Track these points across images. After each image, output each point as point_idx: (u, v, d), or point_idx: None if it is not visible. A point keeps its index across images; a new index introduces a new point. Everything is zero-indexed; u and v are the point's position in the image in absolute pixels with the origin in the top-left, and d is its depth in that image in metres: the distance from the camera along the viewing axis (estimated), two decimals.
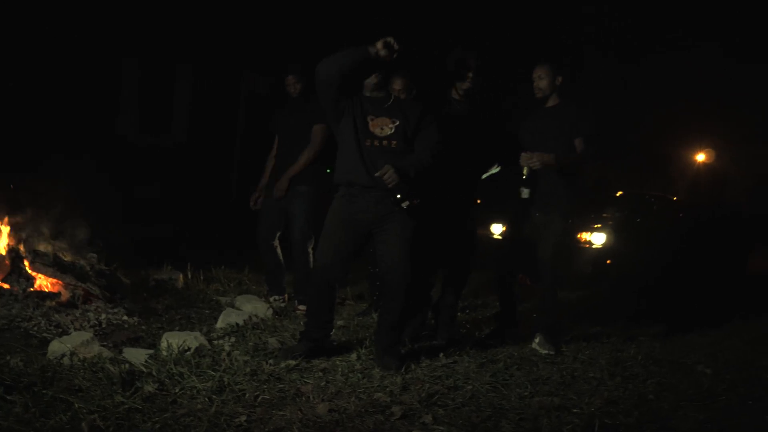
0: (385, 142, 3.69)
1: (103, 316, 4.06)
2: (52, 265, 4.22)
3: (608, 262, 8.79)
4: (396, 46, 3.49)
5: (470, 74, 4.22)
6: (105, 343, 3.61)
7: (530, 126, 4.41)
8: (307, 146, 4.98)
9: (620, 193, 11.38)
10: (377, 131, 3.69)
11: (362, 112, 3.72)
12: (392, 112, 3.74)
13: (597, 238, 8.88)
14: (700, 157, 25.49)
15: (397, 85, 4.39)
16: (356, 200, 3.70)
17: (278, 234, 5.20)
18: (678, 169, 24.16)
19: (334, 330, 4.38)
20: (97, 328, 3.88)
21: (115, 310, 4.21)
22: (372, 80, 3.73)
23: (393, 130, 3.70)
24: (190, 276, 5.69)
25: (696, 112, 22.08)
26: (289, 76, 5.03)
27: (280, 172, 5.09)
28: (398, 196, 3.57)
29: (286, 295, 5.21)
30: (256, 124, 10.09)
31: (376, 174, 3.53)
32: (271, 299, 5.10)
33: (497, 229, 9.28)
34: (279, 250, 5.22)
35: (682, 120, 22.56)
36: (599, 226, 9.08)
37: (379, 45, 3.47)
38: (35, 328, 3.71)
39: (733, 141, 23.44)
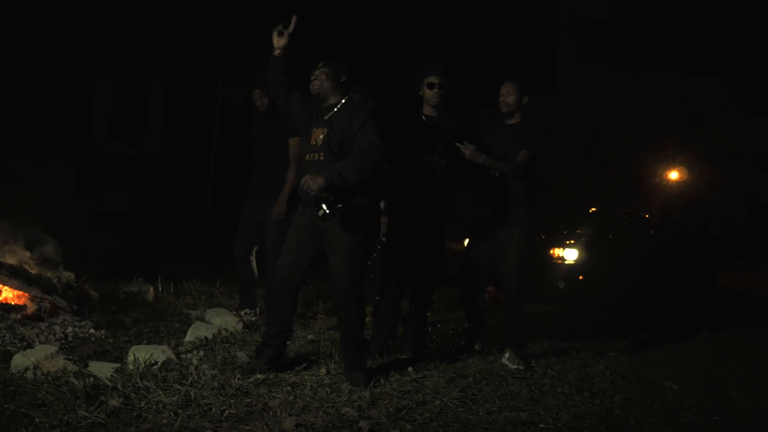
0: (315, 155, 3.64)
1: (70, 329, 4.00)
2: (17, 277, 4.16)
3: (580, 277, 8.89)
4: (282, 29, 3.67)
5: (437, 88, 4.26)
6: (70, 357, 3.56)
7: (489, 140, 4.47)
8: (283, 160, 4.96)
9: (593, 209, 11.51)
10: (312, 143, 3.65)
11: (309, 123, 3.73)
12: (325, 122, 3.67)
13: (569, 254, 8.98)
14: (673, 174, 25.86)
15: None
16: (305, 209, 3.69)
17: (255, 248, 5.19)
18: (650, 187, 24.48)
19: (302, 344, 4.37)
20: (63, 341, 3.82)
21: (82, 323, 4.16)
22: (312, 89, 3.71)
23: (321, 141, 3.63)
24: (160, 289, 5.64)
25: (669, 130, 22.42)
26: (255, 91, 5.02)
27: (259, 185, 5.07)
28: (323, 206, 3.35)
29: (258, 309, 5.18)
30: (231, 135, 10.06)
31: (300, 184, 3.47)
32: (242, 313, 5.07)
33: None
34: (254, 264, 5.20)
35: (656, 137, 22.89)
36: (572, 242, 9.18)
37: (274, 42, 3.69)
38: None
39: (705, 159, 23.81)
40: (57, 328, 3.97)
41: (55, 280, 4.36)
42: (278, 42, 3.71)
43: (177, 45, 9.50)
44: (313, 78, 3.68)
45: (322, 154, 3.61)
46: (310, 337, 4.60)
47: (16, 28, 7.76)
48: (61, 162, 7.93)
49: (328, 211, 3.34)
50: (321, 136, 3.63)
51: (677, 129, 22.22)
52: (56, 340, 3.81)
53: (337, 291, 3.67)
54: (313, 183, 3.36)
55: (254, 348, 4.09)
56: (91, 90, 9.33)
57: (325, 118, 3.67)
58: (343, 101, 3.69)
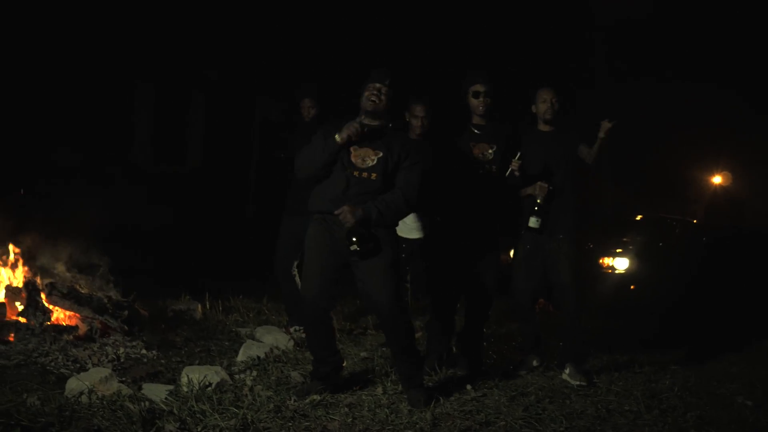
0: (365, 174, 3.50)
1: (122, 350, 3.96)
2: (69, 298, 4.14)
3: (632, 287, 8.62)
4: (358, 130, 3.44)
5: (482, 96, 4.15)
6: (124, 379, 3.50)
7: (533, 150, 4.30)
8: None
9: (640, 216, 11.19)
10: (358, 162, 3.51)
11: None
12: (377, 143, 3.53)
13: (620, 264, 8.72)
14: (717, 179, 25.28)
15: (418, 111, 4.34)
16: (334, 229, 3.49)
17: (296, 262, 5.09)
18: (694, 192, 23.93)
19: (355, 362, 4.25)
20: (116, 362, 3.77)
21: (134, 344, 4.11)
22: (368, 104, 3.52)
23: (375, 162, 3.51)
24: (208, 306, 5.59)
25: (711, 135, 21.93)
26: (305, 99, 4.94)
27: (298, 201, 4.97)
28: (353, 239, 3.35)
29: None
30: (270, 151, 10.05)
31: (335, 212, 3.40)
32: (292, 330, 4.98)
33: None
34: (298, 279, 5.10)
35: (698, 143, 22.40)
36: (621, 251, 8.92)
37: (344, 135, 3.44)
38: (52, 364, 3.61)
39: (748, 163, 23.21)
40: (109, 349, 3.93)
41: (105, 300, 4.32)
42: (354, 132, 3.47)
43: (216, 60, 9.55)
44: (373, 92, 3.50)
45: (375, 174, 3.51)
46: (363, 354, 4.48)
47: (55, 52, 7.86)
48: (106, 181, 8.01)
49: (359, 248, 3.34)
50: (373, 157, 3.51)
51: (719, 135, 21.72)
52: (109, 361, 3.76)
53: (381, 316, 3.59)
54: (351, 216, 3.35)
55: (307, 367, 4.00)
56: (131, 109, 9.42)
57: (372, 137, 3.54)
58: (390, 125, 3.63)
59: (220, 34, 9.43)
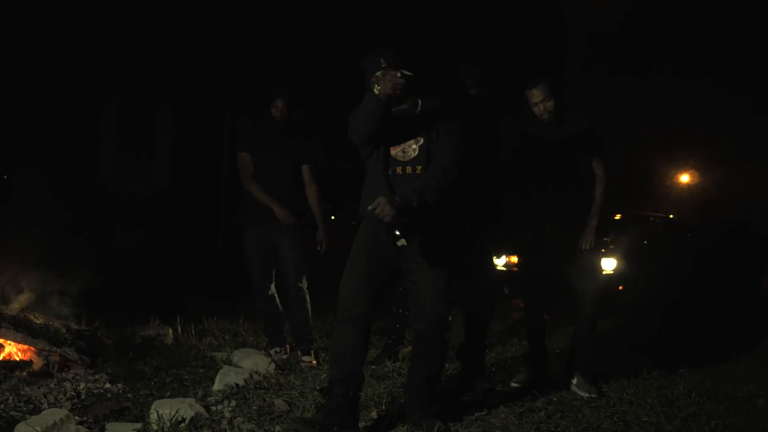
0: (409, 169, 3.07)
1: (82, 385, 3.52)
2: (21, 329, 3.69)
3: (620, 288, 8.39)
4: (401, 82, 2.84)
5: (474, 88, 3.82)
6: (84, 419, 3.08)
7: (536, 141, 3.98)
8: (294, 184, 4.57)
9: (619, 216, 11.01)
10: (399, 155, 3.09)
11: (385, 132, 3.07)
12: (414, 128, 3.09)
13: (607, 264, 8.46)
14: (684, 178, 25.39)
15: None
16: (379, 231, 3.05)
17: (274, 274, 4.70)
18: (662, 191, 23.98)
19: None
20: (75, 400, 3.33)
21: (97, 377, 3.68)
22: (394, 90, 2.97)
23: (417, 152, 3.07)
24: (180, 330, 5.16)
25: (679, 134, 21.98)
26: (278, 100, 4.54)
27: (264, 209, 4.58)
28: (396, 232, 2.90)
29: (288, 346, 4.70)
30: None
31: (369, 208, 2.93)
32: (272, 352, 4.58)
33: (500, 260, 8.81)
34: (277, 297, 4.72)
35: (666, 142, 22.45)
36: (604, 251, 8.67)
37: (386, 89, 2.85)
38: (1, 406, 3.16)
39: (718, 161, 23.32)
40: (68, 385, 3.49)
41: (63, 330, 3.88)
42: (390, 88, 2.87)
43: (182, 75, 9.18)
44: (392, 76, 2.89)
45: (420, 167, 3.05)
46: None
47: (18, 70, 7.46)
48: (67, 202, 7.57)
49: (405, 242, 2.89)
50: (414, 146, 3.07)
51: (687, 133, 21.79)
52: (67, 399, 3.32)
53: (422, 335, 3.14)
54: (390, 207, 2.85)
55: (292, 392, 3.62)
56: (96, 126, 9.02)
57: (413, 123, 3.08)
58: (419, 101, 3.12)
59: (186, 46, 9.07)
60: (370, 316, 3.09)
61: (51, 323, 3.88)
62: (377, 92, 2.87)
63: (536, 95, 3.88)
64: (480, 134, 3.68)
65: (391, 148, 3.09)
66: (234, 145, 4.54)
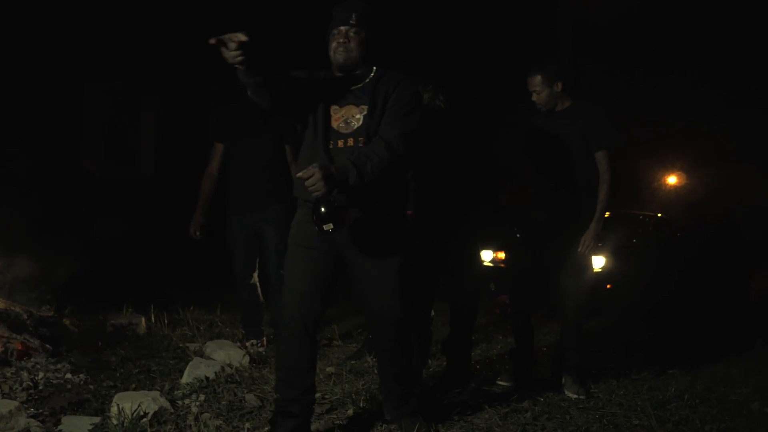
0: (351, 141, 2.66)
1: (41, 374, 3.31)
2: None
3: (608, 286, 8.26)
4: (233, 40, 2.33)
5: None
6: (40, 411, 2.88)
7: (536, 132, 3.82)
8: (276, 164, 4.35)
9: (608, 213, 10.86)
10: (342, 127, 2.68)
11: (325, 99, 2.72)
12: (360, 96, 2.71)
13: (595, 262, 8.32)
14: (671, 179, 25.37)
15: None
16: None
17: (257, 262, 4.51)
18: (649, 192, 23.94)
19: (320, 379, 3.67)
20: (32, 391, 3.12)
21: (58, 367, 3.47)
22: (338, 57, 2.69)
23: (361, 122, 2.67)
24: (153, 319, 4.95)
25: (668, 135, 21.92)
26: None
27: (248, 196, 4.38)
28: (322, 209, 2.44)
29: (264, 339, 4.50)
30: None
31: (298, 174, 2.50)
32: (248, 344, 4.39)
33: (487, 256, 8.66)
34: (258, 287, 4.52)
35: (654, 142, 22.38)
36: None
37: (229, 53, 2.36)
38: None
39: (705, 162, 23.29)
40: (25, 374, 3.27)
41: (25, 316, 3.68)
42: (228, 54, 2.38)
43: (168, 65, 8.92)
44: (340, 41, 2.68)
45: (362, 139, 2.65)
46: (329, 369, 3.89)
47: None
48: (41, 184, 7.32)
49: (333, 226, 2.46)
50: (358, 116, 2.68)
51: (676, 134, 21.73)
52: (23, 390, 3.11)
53: (380, 332, 2.84)
54: (323, 179, 2.39)
55: (265, 387, 3.42)
56: (80, 110, 8.75)
57: (354, 88, 2.71)
58: (375, 69, 2.76)
59: (175, 34, 8.82)
60: (319, 322, 2.76)
61: (12, 308, 3.67)
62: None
63: (531, 84, 3.78)
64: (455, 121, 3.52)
65: (333, 119, 2.70)
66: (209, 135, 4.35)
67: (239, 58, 2.35)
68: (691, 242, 9.20)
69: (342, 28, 2.69)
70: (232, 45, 2.32)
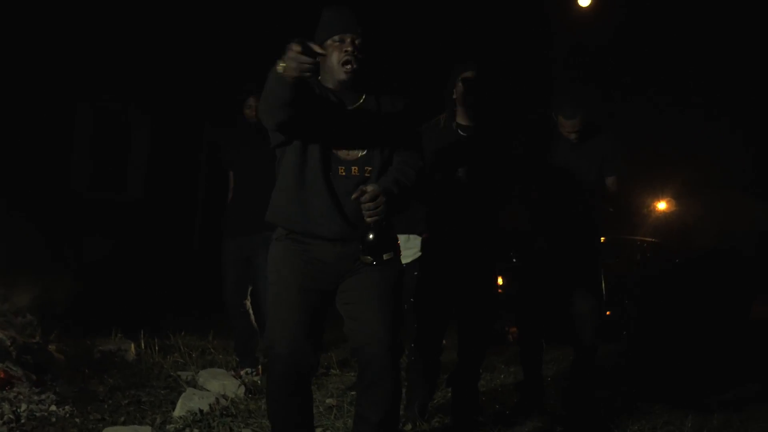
0: (355, 170, 2.35)
1: (24, 406, 3.11)
2: None
3: (608, 313, 8.13)
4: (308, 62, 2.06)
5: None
6: None
7: (555, 157, 3.67)
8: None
9: (603, 239, 10.77)
10: (342, 153, 2.36)
11: (323, 120, 2.35)
12: (363, 123, 2.39)
13: None
14: (661, 205, 25.44)
15: None
16: (310, 249, 2.37)
17: (249, 290, 4.36)
18: (639, 218, 23.98)
19: (320, 411, 3.48)
20: (13, 425, 2.92)
21: (42, 397, 3.26)
22: (344, 71, 2.35)
23: (365, 151, 2.38)
24: (143, 345, 4.76)
25: (658, 160, 21.99)
26: (251, 97, 4.24)
27: (245, 218, 4.25)
28: (370, 236, 2.23)
29: (260, 367, 4.31)
30: (218, 180, 9.28)
31: (353, 197, 2.23)
32: (243, 373, 4.20)
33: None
34: (251, 313, 4.36)
35: (645, 168, 22.45)
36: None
37: (292, 70, 2.07)
38: None
39: (697, 187, 23.36)
40: (6, 405, 3.07)
41: (8, 342, 3.47)
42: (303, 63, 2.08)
43: (161, 85, 8.81)
44: (349, 50, 2.33)
45: (369, 168, 2.37)
46: (328, 401, 3.70)
47: None
48: (30, 207, 7.15)
49: (393, 253, 2.30)
50: (362, 141, 2.38)
51: (667, 160, 21.82)
52: (3, 423, 2.91)
53: (370, 362, 2.33)
54: (387, 202, 2.20)
55: (263, 422, 3.23)
56: (70, 132, 8.60)
57: (355, 109, 2.40)
58: (365, 93, 2.44)
59: (166, 55, 8.71)
60: (314, 365, 2.45)
61: None
62: (281, 71, 2.10)
63: (574, 125, 3.54)
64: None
65: (333, 144, 2.37)
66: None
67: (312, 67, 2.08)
68: (690, 267, 9.12)
69: (348, 36, 2.35)
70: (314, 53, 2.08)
